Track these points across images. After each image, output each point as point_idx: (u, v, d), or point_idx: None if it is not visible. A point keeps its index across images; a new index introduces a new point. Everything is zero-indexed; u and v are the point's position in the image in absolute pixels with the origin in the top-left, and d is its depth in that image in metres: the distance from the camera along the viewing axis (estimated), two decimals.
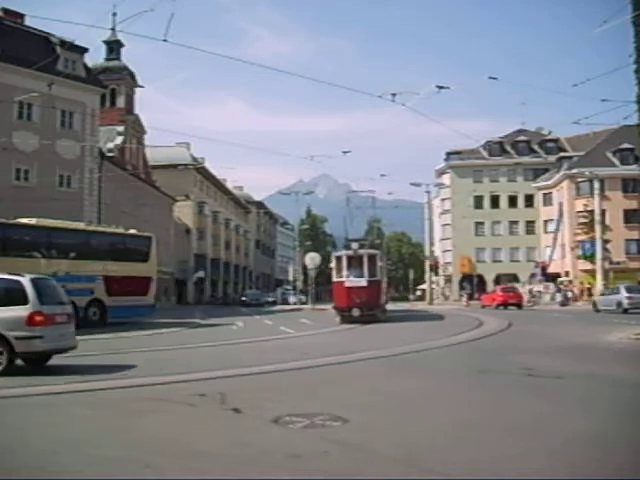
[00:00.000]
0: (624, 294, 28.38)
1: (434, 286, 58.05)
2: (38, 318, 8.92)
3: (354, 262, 21.61)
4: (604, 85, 36.22)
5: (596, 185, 46.80)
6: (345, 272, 21.62)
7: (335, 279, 22.21)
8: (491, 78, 20.38)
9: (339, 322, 21.53)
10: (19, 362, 9.25)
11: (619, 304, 28.27)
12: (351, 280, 21.39)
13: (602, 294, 33.06)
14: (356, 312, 21.05)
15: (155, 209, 44.85)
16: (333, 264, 22.56)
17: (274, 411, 5.85)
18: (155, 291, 24.79)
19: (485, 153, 63.41)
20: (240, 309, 40.44)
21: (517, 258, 62.53)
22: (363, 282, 21.18)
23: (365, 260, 21.41)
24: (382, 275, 23.17)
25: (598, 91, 25.32)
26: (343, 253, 22.13)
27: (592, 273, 49.42)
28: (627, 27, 15.95)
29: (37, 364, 9.54)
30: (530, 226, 62.40)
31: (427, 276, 56.54)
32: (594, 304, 31.92)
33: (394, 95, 17.28)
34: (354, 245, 21.82)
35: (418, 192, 54.44)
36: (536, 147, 64.33)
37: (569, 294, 43.67)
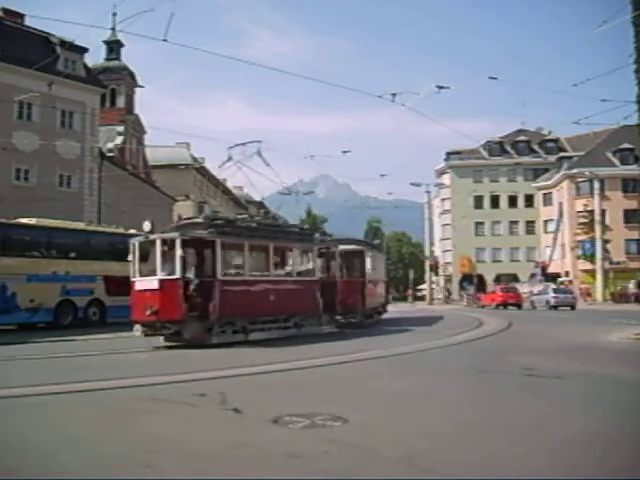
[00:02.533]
0: (551, 294, 36.34)
1: (434, 286, 58.06)
2: None
3: (151, 253, 13.60)
4: (604, 85, 36.30)
5: (596, 185, 46.88)
6: (136, 267, 13.82)
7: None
8: (491, 78, 20.43)
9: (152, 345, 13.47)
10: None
11: (547, 302, 35.86)
12: (141, 280, 13.62)
13: (537, 294, 39.47)
14: (140, 329, 13.39)
15: (155, 209, 44.84)
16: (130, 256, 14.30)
17: (274, 411, 5.85)
18: None
19: (485, 153, 63.49)
20: None
21: (517, 258, 62.63)
22: (154, 283, 13.21)
23: (158, 248, 13.22)
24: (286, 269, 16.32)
25: (598, 91, 25.34)
26: (135, 239, 14.15)
27: (592, 273, 49.50)
28: (627, 27, 15.96)
29: None
30: (530, 226, 62.50)
31: (427, 276, 56.56)
32: (531, 303, 38.37)
33: (394, 95, 17.28)
34: (146, 225, 13.61)
35: (418, 192, 54.59)
36: (536, 147, 64.42)
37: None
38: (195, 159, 58.24)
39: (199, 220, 14.77)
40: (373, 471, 4.17)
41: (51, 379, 8.35)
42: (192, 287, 13.06)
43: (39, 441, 5.06)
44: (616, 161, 53.08)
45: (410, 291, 63.26)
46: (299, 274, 16.39)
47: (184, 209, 54.78)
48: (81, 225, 23.42)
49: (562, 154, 60.75)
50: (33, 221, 20.10)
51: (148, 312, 12.89)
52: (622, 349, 12.44)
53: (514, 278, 57.01)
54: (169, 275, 12.98)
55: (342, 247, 19.59)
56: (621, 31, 16.75)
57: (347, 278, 19.22)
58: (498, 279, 58.08)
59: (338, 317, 18.59)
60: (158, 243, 13.20)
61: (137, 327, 13.32)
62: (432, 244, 61.58)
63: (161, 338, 13.49)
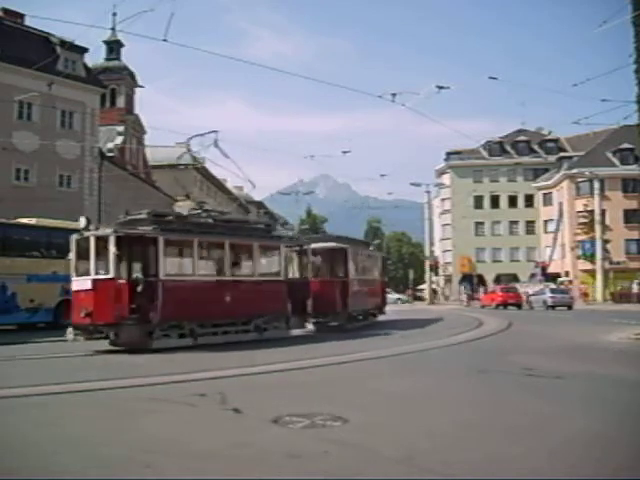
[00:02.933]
0: (548, 294, 36.43)
1: (434, 286, 58.09)
2: None
3: (89, 250, 12.45)
4: (604, 85, 36.31)
5: (596, 185, 46.89)
6: (73, 266, 12.92)
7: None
8: (491, 78, 20.44)
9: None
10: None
11: (545, 302, 35.85)
12: (77, 280, 12.72)
13: (534, 294, 39.28)
14: (72, 333, 12.38)
15: (155, 209, 44.84)
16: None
17: (274, 411, 5.85)
18: None
19: (485, 153, 63.51)
20: None
21: (517, 258, 62.66)
22: (87, 283, 12.32)
23: (92, 246, 12.31)
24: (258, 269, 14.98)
25: (598, 91, 25.35)
26: (73, 236, 13.02)
27: (592, 273, 49.49)
28: (627, 27, 15.98)
29: None
30: (530, 226, 62.53)
31: (427, 276, 56.58)
32: (529, 303, 38.22)
33: (394, 95, 17.28)
34: (81, 221, 12.72)
35: (418, 192, 54.58)
36: (536, 147, 64.45)
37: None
38: (195, 159, 58.24)
39: (143, 216, 13.42)
40: (373, 471, 4.17)
41: (51, 379, 8.35)
42: (139, 288, 12.34)
43: (39, 441, 5.06)
44: (616, 161, 53.09)
45: (410, 291, 63.34)
46: (262, 274, 15.16)
47: (184, 209, 54.81)
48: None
49: (562, 154, 60.77)
50: (33, 221, 20.09)
51: (82, 314, 12.08)
52: (622, 349, 12.44)
53: (514, 278, 57.02)
54: (104, 275, 12.13)
55: (319, 245, 18.55)
56: (621, 31, 16.77)
57: (323, 278, 18.17)
58: (498, 279, 58.11)
59: (312, 320, 17.68)
60: (92, 241, 12.33)
61: (70, 330, 12.34)
62: (432, 244, 61.57)
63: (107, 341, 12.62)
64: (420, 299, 59.65)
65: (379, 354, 11.50)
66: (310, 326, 18.00)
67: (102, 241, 12.27)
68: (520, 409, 6.26)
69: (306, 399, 6.87)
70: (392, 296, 55.17)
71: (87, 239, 12.47)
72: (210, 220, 14.80)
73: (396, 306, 41.02)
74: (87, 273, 12.40)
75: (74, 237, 12.92)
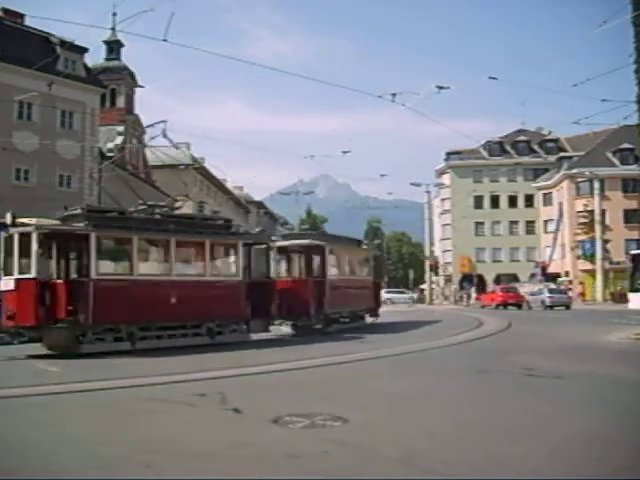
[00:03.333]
0: (546, 294, 36.35)
1: (434, 286, 58.11)
2: None
3: (13, 248, 11.72)
4: (604, 85, 36.26)
5: (596, 185, 46.86)
6: (1, 265, 12.24)
7: None
8: (491, 78, 20.44)
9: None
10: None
11: (543, 302, 35.69)
12: (4, 280, 11.88)
13: (532, 294, 39.05)
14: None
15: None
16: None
17: (274, 411, 5.85)
18: None
19: (485, 153, 63.50)
20: None
21: (517, 258, 62.64)
22: (10, 284, 11.55)
23: (16, 244, 11.57)
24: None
25: (598, 91, 25.32)
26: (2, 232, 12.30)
27: (592, 273, 49.47)
28: (627, 27, 16.02)
29: None
30: (530, 226, 62.52)
31: (427, 276, 56.57)
32: (527, 303, 37.89)
33: (394, 95, 17.26)
34: (7, 217, 11.88)
35: (418, 192, 54.61)
36: (536, 147, 64.43)
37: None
38: (195, 159, 58.25)
39: (78, 211, 12.55)
40: (373, 471, 4.17)
41: (51, 379, 8.36)
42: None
43: (39, 441, 5.06)
44: (616, 161, 53.08)
45: (417, 290, 63.20)
46: (216, 273, 14.24)
47: (184, 209, 54.81)
48: None
49: (562, 154, 60.74)
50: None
51: (6, 316, 11.42)
52: (622, 349, 12.44)
53: (514, 278, 56.98)
54: (24, 275, 11.31)
55: (294, 242, 17.63)
56: (621, 31, 16.78)
57: (294, 277, 17.41)
58: (498, 279, 58.07)
59: (288, 322, 16.80)
60: (16, 238, 11.49)
61: None
62: (432, 244, 61.56)
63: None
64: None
65: (379, 354, 11.51)
66: (287, 329, 17.04)
67: (26, 238, 11.48)
68: (520, 409, 6.26)
69: (306, 399, 6.87)
70: (403, 295, 55.03)
71: (12, 237, 11.63)
72: (158, 216, 13.85)
73: (394, 307, 40.78)
74: (12, 272, 11.60)
75: (2, 234, 12.13)
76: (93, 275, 11.74)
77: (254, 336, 14.64)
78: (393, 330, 18.28)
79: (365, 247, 22.60)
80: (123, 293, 12.15)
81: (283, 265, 18.23)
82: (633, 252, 31.45)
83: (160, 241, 13.38)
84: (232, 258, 14.69)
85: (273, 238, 17.84)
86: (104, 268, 12.35)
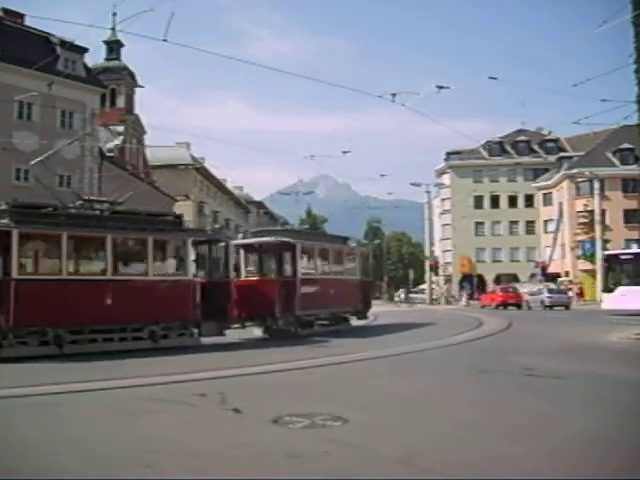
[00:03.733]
0: (546, 294, 36.71)
1: (434, 286, 58.10)
2: None
3: None
4: (604, 85, 36.29)
5: (596, 185, 46.83)
6: None
7: None
8: (491, 78, 20.35)
9: None
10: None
11: (542, 302, 36.03)
12: None
13: (531, 294, 39.30)
14: None
15: (155, 209, 44.87)
16: None
17: (274, 411, 5.85)
18: None
19: (485, 153, 63.49)
20: None
21: (517, 258, 62.63)
22: None
23: None
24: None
25: (598, 91, 25.33)
26: None
27: (592, 273, 49.38)
28: (627, 27, 16.00)
29: None
30: (530, 226, 62.51)
31: (427, 276, 56.57)
32: (527, 302, 38.07)
33: (394, 95, 17.24)
34: None
35: (418, 192, 54.58)
36: (536, 147, 64.43)
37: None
38: (195, 159, 58.28)
39: (3, 207, 11.74)
40: (373, 471, 4.17)
41: (51, 379, 8.35)
42: None
43: (39, 441, 5.06)
44: (616, 161, 53.08)
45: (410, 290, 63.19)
46: (161, 273, 13.41)
47: (184, 209, 54.86)
48: None
49: (562, 154, 60.74)
50: None
51: None
52: (622, 349, 12.44)
53: (514, 278, 56.97)
54: None
55: (262, 240, 16.63)
56: (621, 31, 16.77)
57: (260, 277, 16.48)
58: (498, 279, 58.07)
59: (254, 324, 15.94)
60: None
61: None
62: (432, 244, 61.52)
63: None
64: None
65: (379, 354, 11.51)
66: (258, 332, 16.03)
67: None
68: (520, 409, 6.26)
69: (306, 399, 6.87)
70: (418, 295, 54.74)
71: None
72: (97, 212, 13.11)
73: (382, 307, 40.41)
74: None
75: None
76: (15, 275, 11.05)
77: (205, 340, 13.48)
78: (374, 333, 17.13)
79: (354, 245, 21.04)
80: (49, 294, 11.42)
81: (253, 264, 17.38)
82: (606, 252, 31.99)
83: (95, 238, 12.48)
84: (180, 256, 13.73)
85: (239, 235, 17.14)
86: (29, 267, 11.87)
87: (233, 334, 14.85)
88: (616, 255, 28.26)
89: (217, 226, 17.68)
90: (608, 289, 26.84)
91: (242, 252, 16.68)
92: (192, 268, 13.72)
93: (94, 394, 7.44)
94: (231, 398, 6.66)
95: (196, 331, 13.54)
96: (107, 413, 6.26)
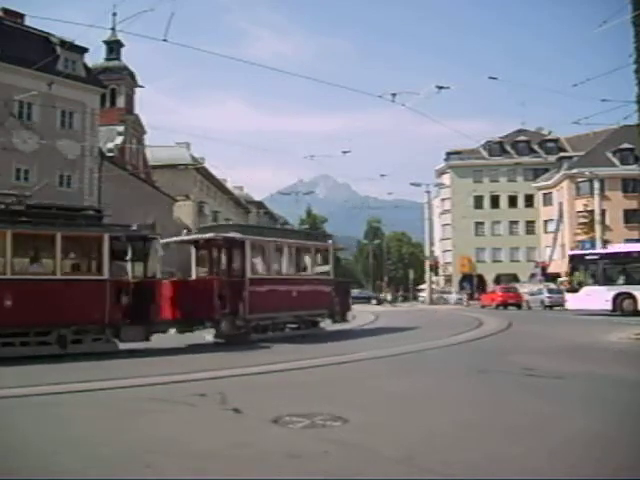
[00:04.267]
0: (545, 294, 36.86)
1: (434, 286, 58.10)
2: None
3: None
4: (604, 85, 36.30)
5: (596, 185, 46.77)
6: None
7: None
8: (491, 78, 20.36)
9: None
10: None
11: (542, 302, 36.32)
12: None
13: (531, 294, 39.42)
14: None
15: (155, 209, 44.90)
16: None
17: (274, 411, 5.85)
18: None
19: (485, 153, 63.50)
20: None
21: (517, 258, 62.64)
22: None
23: None
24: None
25: (598, 91, 25.33)
26: None
27: None
28: (627, 27, 16.01)
29: None
30: (530, 226, 62.52)
31: (427, 276, 56.55)
32: (527, 302, 38.36)
33: (394, 95, 17.23)
34: None
35: (418, 192, 54.59)
36: (536, 147, 64.43)
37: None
38: (195, 159, 58.28)
39: None
40: (373, 471, 4.17)
41: (51, 379, 8.35)
42: None
43: (39, 441, 5.06)
44: (616, 161, 53.07)
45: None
46: (72, 272, 12.17)
47: (184, 209, 54.88)
48: None
49: (562, 154, 60.74)
50: None
51: None
52: (622, 349, 12.44)
53: (514, 278, 56.99)
54: None
55: (206, 236, 15.42)
56: (621, 31, 16.78)
57: (198, 277, 15.40)
58: (498, 279, 58.08)
59: (199, 328, 14.33)
60: None
61: None
62: (432, 244, 61.53)
63: None
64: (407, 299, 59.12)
65: (378, 354, 11.50)
66: (208, 337, 14.46)
67: None
68: (520, 409, 6.26)
69: (306, 399, 6.87)
70: (425, 295, 54.30)
71: None
72: (1, 206, 11.98)
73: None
74: None
75: None
76: None
77: (123, 345, 12.18)
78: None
79: (330, 241, 18.70)
80: None
81: (204, 263, 16.11)
82: (570, 253, 32.18)
83: None
84: (95, 254, 12.38)
85: (184, 231, 16.17)
86: None
87: (181, 339, 13.74)
88: (581, 255, 28.55)
89: (150, 222, 16.03)
90: (573, 289, 27.00)
91: (193, 250, 15.80)
92: (112, 266, 12.33)
93: (94, 394, 7.44)
94: (231, 398, 6.66)
95: (114, 336, 12.24)
96: (107, 413, 6.26)
